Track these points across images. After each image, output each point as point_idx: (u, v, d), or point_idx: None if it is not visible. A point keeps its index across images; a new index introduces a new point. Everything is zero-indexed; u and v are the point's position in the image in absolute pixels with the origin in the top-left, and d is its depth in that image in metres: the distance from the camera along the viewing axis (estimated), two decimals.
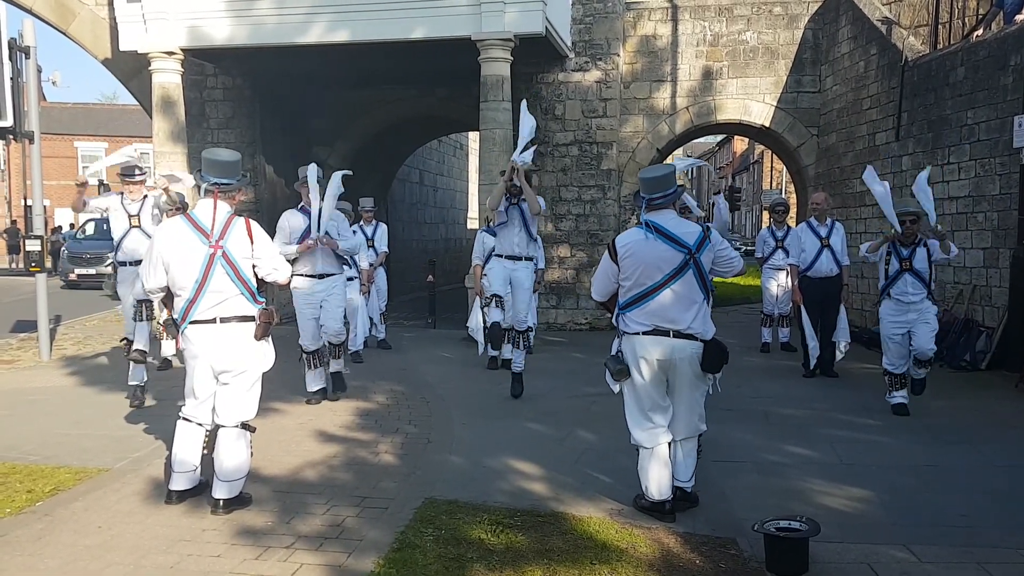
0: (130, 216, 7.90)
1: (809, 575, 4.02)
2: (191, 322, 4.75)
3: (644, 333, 4.67)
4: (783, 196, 12.45)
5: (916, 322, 7.31)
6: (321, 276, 7.56)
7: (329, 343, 7.82)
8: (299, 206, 7.66)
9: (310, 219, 7.46)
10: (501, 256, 8.02)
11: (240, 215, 4.97)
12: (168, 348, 9.17)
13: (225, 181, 4.83)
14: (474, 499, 5.04)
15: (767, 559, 4.12)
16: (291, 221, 7.55)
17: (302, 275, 7.50)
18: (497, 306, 8.08)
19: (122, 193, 8.03)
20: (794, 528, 4.12)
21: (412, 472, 5.63)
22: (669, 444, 4.77)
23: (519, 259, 7.96)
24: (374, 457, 6.00)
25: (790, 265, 9.63)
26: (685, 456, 4.86)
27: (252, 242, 4.85)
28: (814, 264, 9.20)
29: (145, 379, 7.71)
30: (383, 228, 11.26)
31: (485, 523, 4.59)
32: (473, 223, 24.61)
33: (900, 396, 7.48)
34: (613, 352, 4.86)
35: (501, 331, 8.18)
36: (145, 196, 7.96)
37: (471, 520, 4.65)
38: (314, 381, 7.79)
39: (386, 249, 11.19)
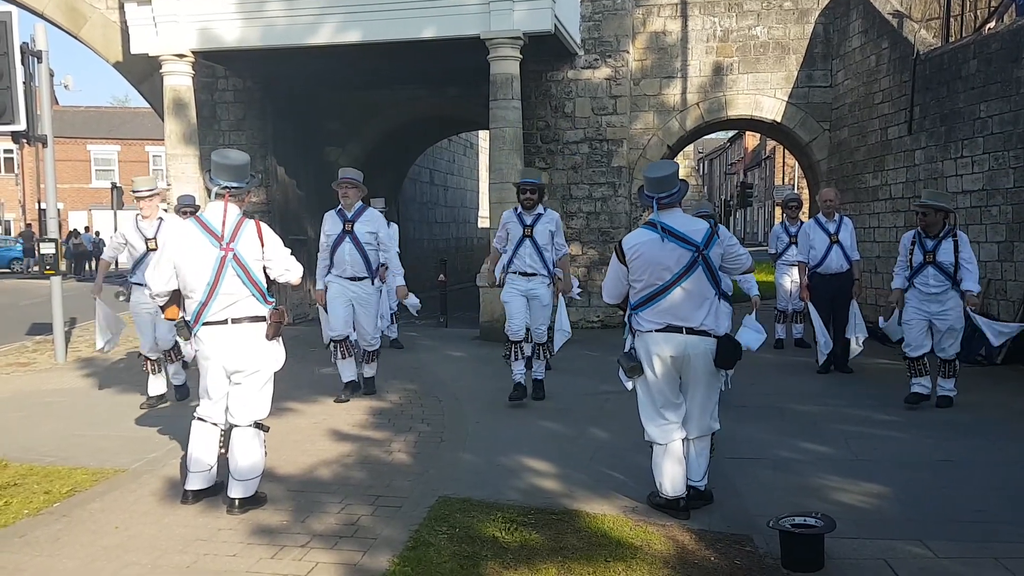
0: (147, 239, 7.54)
1: (825, 571, 4.01)
2: (204, 323, 4.78)
3: (657, 331, 4.67)
4: (796, 192, 12.38)
5: (940, 320, 7.30)
6: (352, 279, 7.67)
7: (364, 350, 7.97)
8: (338, 208, 7.76)
9: (343, 221, 7.66)
10: (516, 273, 7.55)
11: (251, 217, 5.00)
12: (190, 351, 9.11)
13: (235, 184, 4.83)
14: (488, 497, 5.04)
15: (782, 555, 4.11)
16: (327, 225, 7.76)
17: (335, 274, 7.71)
18: (518, 358, 7.56)
19: (137, 215, 7.68)
20: (809, 524, 4.11)
21: (426, 470, 5.64)
22: (682, 441, 4.76)
23: (535, 275, 7.53)
24: (388, 456, 6.02)
25: (799, 262, 9.54)
26: (698, 455, 4.85)
27: (262, 244, 4.87)
28: (824, 261, 9.10)
29: (164, 390, 7.87)
30: (394, 228, 11.26)
31: (499, 521, 4.60)
32: (484, 222, 24.62)
33: (917, 384, 7.46)
34: (626, 349, 4.85)
35: (524, 393, 7.61)
36: (161, 220, 7.61)
37: (485, 518, 4.65)
38: (346, 371, 7.82)
39: (397, 249, 11.18)
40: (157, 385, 7.83)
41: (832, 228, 9.15)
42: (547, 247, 7.55)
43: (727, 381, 4.84)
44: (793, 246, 10.78)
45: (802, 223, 10.84)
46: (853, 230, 9.33)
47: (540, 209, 7.60)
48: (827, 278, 9.05)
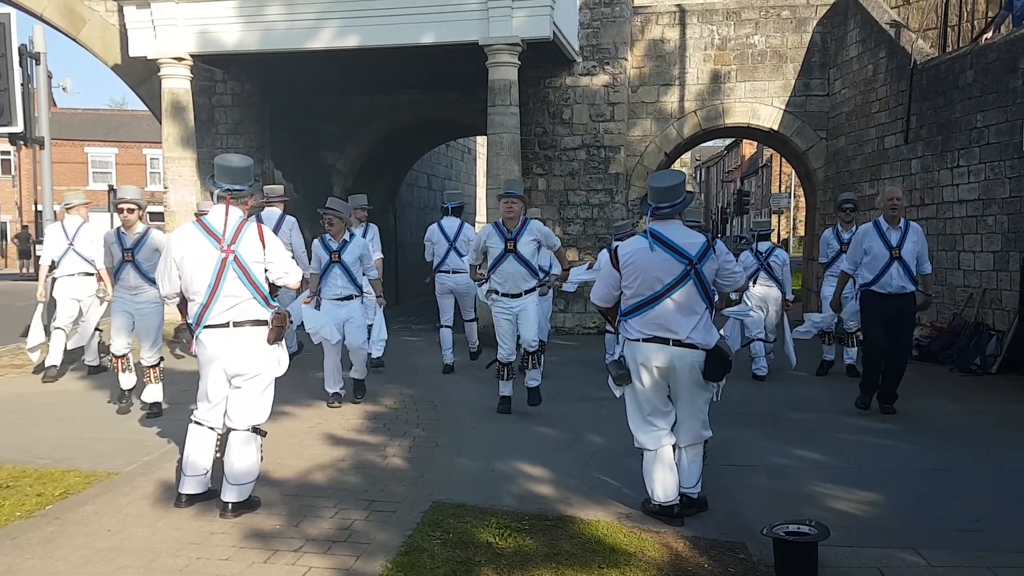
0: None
1: None
2: (205, 326, 4.78)
3: (644, 340, 4.67)
4: (852, 194, 10.66)
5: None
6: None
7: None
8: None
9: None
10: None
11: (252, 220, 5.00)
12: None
13: (237, 187, 4.85)
14: (482, 502, 5.03)
15: (776, 563, 4.10)
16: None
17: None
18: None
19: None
20: (803, 532, 4.10)
21: (420, 475, 5.63)
22: (674, 447, 4.76)
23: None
24: (382, 460, 6.01)
25: (842, 272, 8.03)
26: (689, 462, 4.85)
27: (264, 247, 4.88)
28: (881, 276, 7.35)
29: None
30: (374, 229, 10.47)
31: (493, 526, 4.59)
32: (481, 228, 24.63)
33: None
34: (616, 357, 4.86)
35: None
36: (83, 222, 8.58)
37: (479, 523, 4.65)
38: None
39: (380, 254, 10.36)
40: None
41: (895, 238, 7.35)
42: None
43: (718, 393, 4.82)
44: (844, 255, 8.75)
45: (857, 228, 9.70)
46: (923, 238, 7.56)
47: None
48: (884, 298, 7.37)
